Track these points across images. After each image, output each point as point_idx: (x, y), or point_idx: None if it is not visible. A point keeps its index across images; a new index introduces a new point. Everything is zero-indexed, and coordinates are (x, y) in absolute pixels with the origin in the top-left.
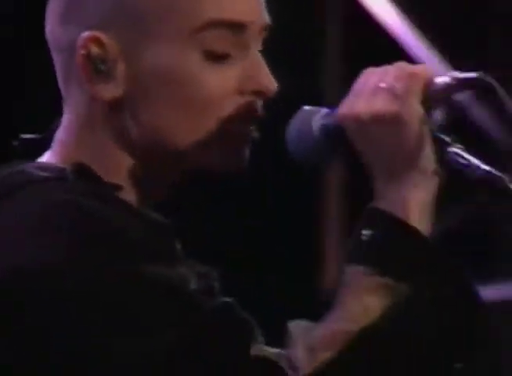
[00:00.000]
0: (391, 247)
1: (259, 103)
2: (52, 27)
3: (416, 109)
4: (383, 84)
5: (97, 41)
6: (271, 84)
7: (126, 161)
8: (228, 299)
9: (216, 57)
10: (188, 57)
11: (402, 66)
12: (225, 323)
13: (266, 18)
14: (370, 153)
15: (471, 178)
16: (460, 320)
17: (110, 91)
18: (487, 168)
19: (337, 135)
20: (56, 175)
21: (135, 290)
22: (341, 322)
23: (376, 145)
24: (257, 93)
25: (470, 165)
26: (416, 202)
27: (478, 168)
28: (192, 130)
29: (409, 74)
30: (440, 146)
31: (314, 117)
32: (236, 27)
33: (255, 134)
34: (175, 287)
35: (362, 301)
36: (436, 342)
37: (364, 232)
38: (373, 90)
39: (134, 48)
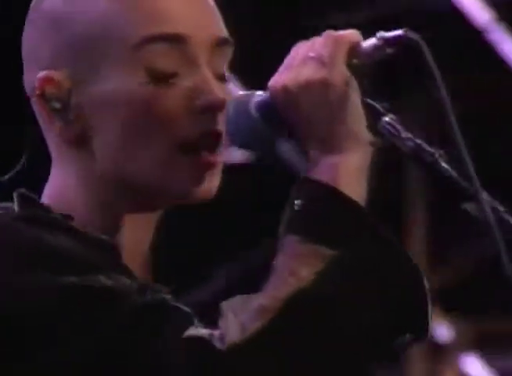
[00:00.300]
0: (319, 213)
1: (217, 120)
2: (23, 75)
3: (342, 73)
4: (311, 54)
5: (49, 80)
6: (219, 94)
7: (88, 196)
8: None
9: (162, 77)
10: (133, 79)
11: (328, 33)
12: (154, 311)
13: (217, 31)
14: (301, 124)
15: (402, 150)
16: (391, 281)
17: (70, 129)
18: (417, 141)
19: (270, 111)
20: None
21: (56, 300)
22: (272, 291)
23: (305, 113)
24: (208, 108)
25: (400, 137)
26: (346, 167)
27: (409, 140)
28: (148, 158)
29: (335, 40)
30: (372, 114)
31: (251, 98)
32: (174, 41)
33: (218, 158)
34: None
35: (293, 268)
36: (366, 305)
37: (295, 201)
38: (301, 61)
39: (83, 81)
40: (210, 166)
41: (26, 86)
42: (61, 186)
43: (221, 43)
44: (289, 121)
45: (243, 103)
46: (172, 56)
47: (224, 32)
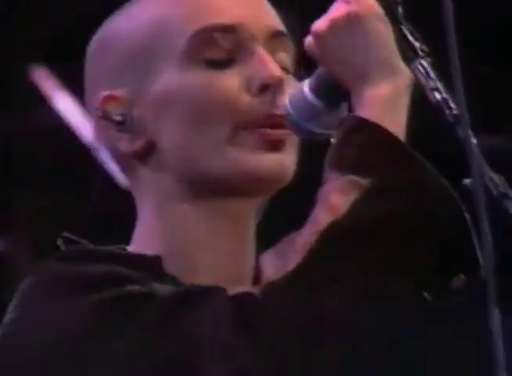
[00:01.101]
0: (354, 145)
1: (276, 102)
2: (86, 108)
3: (367, 5)
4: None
5: (109, 98)
6: (275, 72)
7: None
8: None
9: (218, 64)
10: (189, 73)
11: None
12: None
13: (270, 22)
14: (336, 65)
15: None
16: (430, 210)
17: (136, 140)
18: (445, 95)
19: (319, 81)
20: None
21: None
22: (310, 228)
23: (336, 53)
24: (265, 86)
25: (429, 84)
26: (379, 99)
27: (438, 90)
28: (213, 143)
29: None
30: (407, 51)
31: (303, 85)
32: (227, 31)
33: (283, 136)
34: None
35: (330, 202)
36: (406, 233)
37: (333, 138)
38: (331, 9)
39: (142, 90)
40: (276, 143)
41: (91, 116)
42: (140, 232)
43: (277, 35)
44: (327, 68)
45: (298, 93)
46: (226, 45)
47: (279, 25)
